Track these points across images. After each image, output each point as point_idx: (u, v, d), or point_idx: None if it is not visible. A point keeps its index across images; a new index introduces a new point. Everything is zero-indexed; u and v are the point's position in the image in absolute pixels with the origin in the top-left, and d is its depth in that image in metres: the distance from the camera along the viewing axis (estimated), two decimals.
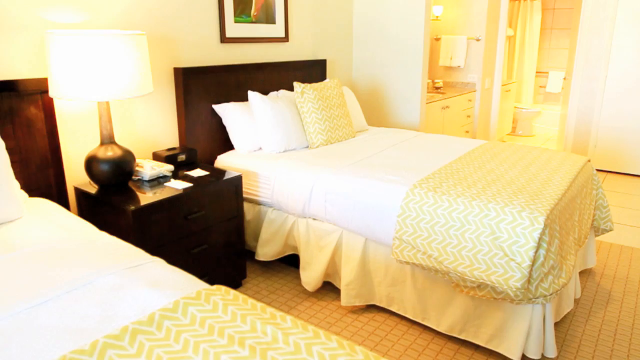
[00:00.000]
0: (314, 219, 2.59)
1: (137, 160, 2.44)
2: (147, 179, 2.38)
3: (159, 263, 1.50)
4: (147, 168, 2.37)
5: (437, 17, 5.46)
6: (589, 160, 2.78)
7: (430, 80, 5.42)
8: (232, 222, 2.53)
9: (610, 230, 2.83)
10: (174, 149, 2.70)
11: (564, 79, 5.61)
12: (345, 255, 2.46)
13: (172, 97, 2.80)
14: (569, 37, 7.24)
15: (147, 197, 2.16)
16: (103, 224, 2.19)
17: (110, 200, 2.13)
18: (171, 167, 2.47)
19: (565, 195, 2.22)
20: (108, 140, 2.23)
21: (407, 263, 2.20)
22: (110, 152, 2.20)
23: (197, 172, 2.53)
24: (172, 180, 2.39)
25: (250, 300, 1.27)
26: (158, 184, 2.34)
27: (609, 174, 5.18)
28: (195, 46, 2.89)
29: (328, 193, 2.48)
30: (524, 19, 7.42)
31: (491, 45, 5.57)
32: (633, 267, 2.98)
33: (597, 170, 5.26)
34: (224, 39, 3.04)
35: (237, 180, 2.52)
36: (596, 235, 2.85)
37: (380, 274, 2.41)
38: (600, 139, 5.20)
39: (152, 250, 2.14)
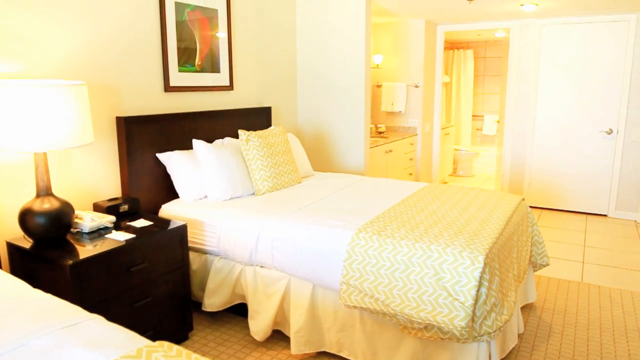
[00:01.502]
0: (262, 266, 2.57)
1: (77, 212, 2.36)
2: (87, 231, 2.29)
3: (97, 320, 1.44)
4: (87, 220, 2.30)
5: (377, 65, 5.71)
6: (523, 199, 2.93)
7: (373, 125, 5.60)
8: (177, 272, 2.47)
9: (547, 265, 2.96)
10: (116, 199, 2.63)
11: (497, 122, 5.95)
12: (293, 302, 2.44)
13: (114, 146, 2.75)
14: (499, 83, 7.73)
15: (86, 250, 2.08)
16: (39, 282, 2.08)
17: (46, 255, 2.04)
18: (113, 218, 2.40)
19: (502, 234, 2.32)
20: (45, 192, 2.16)
21: (355, 307, 2.21)
22: (46, 205, 2.12)
23: (141, 223, 2.47)
24: (113, 231, 2.32)
25: (194, 356, 1.24)
26: (99, 236, 2.26)
27: (543, 210, 5.45)
28: (138, 95, 2.87)
29: (275, 240, 2.47)
30: (458, 67, 7.88)
31: (429, 91, 5.86)
32: (570, 299, 3.11)
33: (533, 207, 5.53)
34: (167, 87, 3.04)
35: (182, 230, 2.47)
36: (535, 271, 2.97)
37: (329, 320, 2.40)
38: (534, 177, 5.50)
39: (93, 307, 2.04)
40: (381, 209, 2.66)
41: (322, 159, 4.42)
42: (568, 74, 5.16)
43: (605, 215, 5.19)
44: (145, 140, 2.85)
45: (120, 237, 2.24)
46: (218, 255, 2.73)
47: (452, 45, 8.00)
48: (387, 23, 5.62)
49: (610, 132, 5.02)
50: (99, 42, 2.61)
